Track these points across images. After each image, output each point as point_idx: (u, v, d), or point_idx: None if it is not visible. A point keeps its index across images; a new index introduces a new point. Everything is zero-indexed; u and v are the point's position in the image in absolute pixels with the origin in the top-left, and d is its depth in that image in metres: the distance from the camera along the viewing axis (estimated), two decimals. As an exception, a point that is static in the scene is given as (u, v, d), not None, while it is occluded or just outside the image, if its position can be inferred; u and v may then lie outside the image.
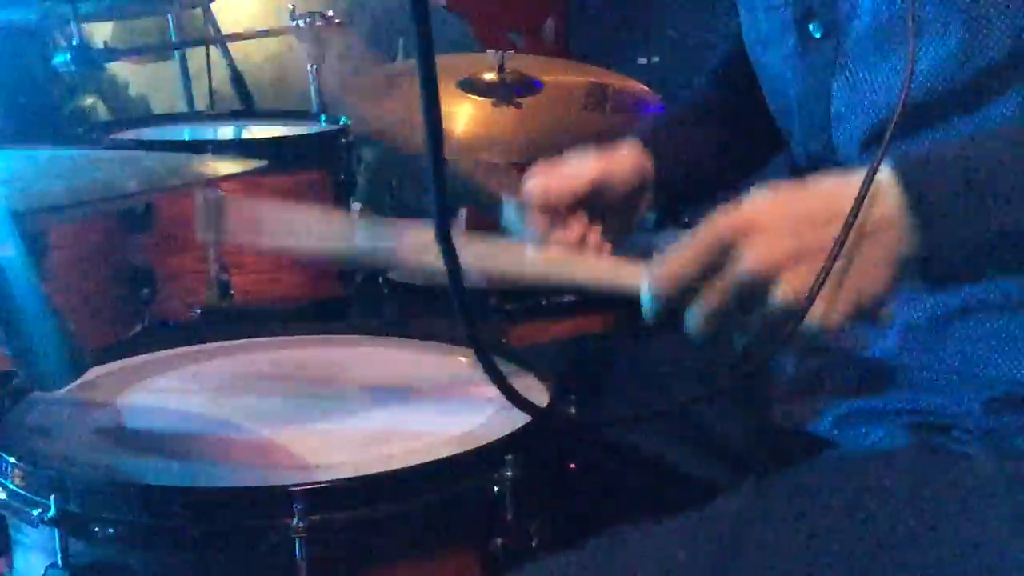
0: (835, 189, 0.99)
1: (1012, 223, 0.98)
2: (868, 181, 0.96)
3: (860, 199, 0.96)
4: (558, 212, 1.31)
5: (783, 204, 0.99)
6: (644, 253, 1.69)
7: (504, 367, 1.29)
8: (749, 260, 0.96)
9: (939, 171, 0.99)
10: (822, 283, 0.94)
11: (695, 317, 0.99)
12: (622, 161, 1.37)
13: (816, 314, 0.96)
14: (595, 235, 1.33)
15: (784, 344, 0.97)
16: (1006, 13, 1.04)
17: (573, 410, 1.15)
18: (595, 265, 1.07)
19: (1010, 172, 0.99)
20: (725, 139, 1.47)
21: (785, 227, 0.97)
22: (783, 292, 0.96)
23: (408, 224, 1.13)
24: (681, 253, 0.99)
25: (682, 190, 1.46)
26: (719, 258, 0.97)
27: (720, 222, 0.98)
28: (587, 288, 1.10)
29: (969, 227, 0.98)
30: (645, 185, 1.39)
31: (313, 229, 1.17)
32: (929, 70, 1.08)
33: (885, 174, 0.98)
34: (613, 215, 1.36)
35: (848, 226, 0.95)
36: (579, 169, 1.34)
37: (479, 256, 1.10)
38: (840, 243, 0.95)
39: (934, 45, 1.07)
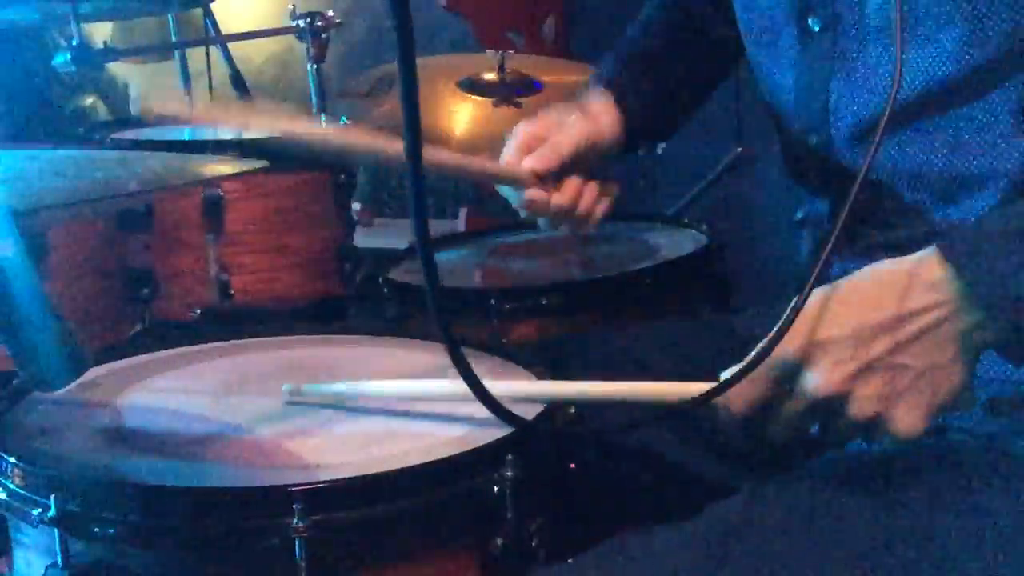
0: (878, 291, 0.98)
1: None
2: (833, 247, 0.96)
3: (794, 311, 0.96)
4: (548, 181, 1.39)
5: (835, 321, 0.98)
6: (639, 248, 1.71)
7: (501, 366, 1.29)
8: (815, 388, 0.97)
9: (989, 251, 0.96)
10: (788, 325, 0.95)
11: (776, 435, 1.03)
12: (602, 120, 1.45)
13: (901, 424, 0.97)
14: (590, 192, 1.41)
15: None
16: (1005, 8, 1.04)
17: (572, 409, 1.15)
18: (650, 388, 1.09)
19: None
20: (675, 82, 1.54)
21: (844, 347, 0.97)
22: (855, 413, 0.97)
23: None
24: (749, 389, 1.00)
25: (650, 128, 1.56)
26: (786, 387, 0.99)
27: (781, 354, 0.98)
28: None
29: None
30: (619, 136, 1.47)
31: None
32: (926, 65, 1.08)
33: (937, 264, 0.97)
34: (595, 164, 1.44)
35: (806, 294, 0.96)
36: (563, 138, 1.40)
37: (529, 392, 1.15)
38: (804, 297, 0.95)
39: (932, 40, 1.07)
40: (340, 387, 1.21)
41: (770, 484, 1.09)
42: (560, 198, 1.39)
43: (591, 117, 1.44)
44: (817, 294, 1.00)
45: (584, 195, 1.41)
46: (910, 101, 1.09)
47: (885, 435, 0.98)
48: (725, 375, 1.03)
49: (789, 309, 0.96)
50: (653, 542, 1.04)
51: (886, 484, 1.08)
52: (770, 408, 1.01)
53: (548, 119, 1.43)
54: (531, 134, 1.41)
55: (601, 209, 1.44)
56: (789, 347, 0.98)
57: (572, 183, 1.40)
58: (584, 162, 1.41)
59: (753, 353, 0.99)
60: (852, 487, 1.07)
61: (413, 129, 0.83)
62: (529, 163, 1.38)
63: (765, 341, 0.98)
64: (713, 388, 1.00)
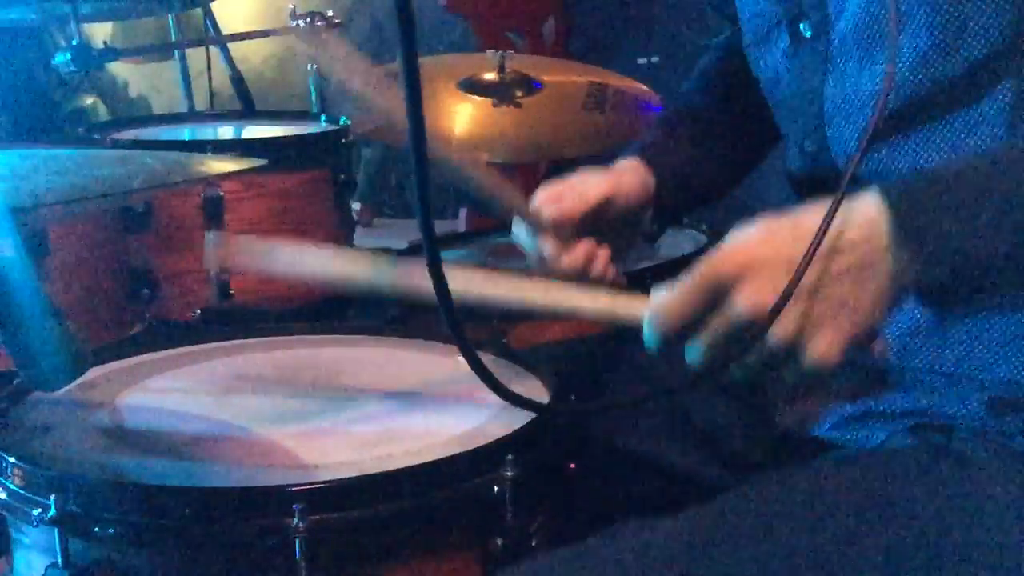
0: (819, 221, 0.99)
1: (1004, 249, 0.98)
2: (832, 213, 0.96)
3: (827, 223, 0.96)
4: (566, 232, 1.33)
5: (774, 242, 0.99)
6: (643, 257, 1.69)
7: (504, 368, 1.29)
8: (743, 302, 0.97)
9: (928, 199, 0.99)
10: (786, 300, 0.95)
11: (694, 352, 1.01)
12: (627, 179, 1.39)
13: (815, 351, 0.97)
14: (603, 257, 1.35)
15: (780, 380, 1.00)
16: (990, 10, 1.04)
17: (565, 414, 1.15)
18: (596, 298, 1.09)
19: (998, 197, 0.98)
20: (720, 144, 1.48)
21: (776, 267, 0.97)
22: (781, 331, 0.97)
23: (407, 259, 1.15)
24: (679, 294, 1.00)
25: (682, 201, 1.48)
26: (715, 297, 0.99)
27: (714, 264, 0.99)
28: (587, 318, 1.11)
29: (961, 255, 0.98)
30: (648, 200, 1.41)
31: (313, 263, 1.19)
32: (915, 68, 1.08)
33: (874, 203, 0.99)
34: (618, 231, 1.39)
35: (810, 254, 0.95)
36: (587, 188, 1.36)
37: (477, 285, 1.11)
38: (807, 263, 0.95)
39: (915, 40, 1.07)
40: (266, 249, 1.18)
41: (768, 484, 1.09)
42: (570, 260, 1.34)
43: (614, 174, 1.40)
44: (758, 221, 1.01)
45: (596, 260, 1.36)
46: (901, 104, 1.09)
47: (795, 365, 0.98)
48: (656, 289, 1.03)
49: None
50: (647, 537, 1.03)
51: (887, 486, 1.08)
52: (693, 327, 1.01)
53: (575, 177, 1.39)
54: (557, 188, 1.37)
55: (610, 276, 1.38)
56: (724, 264, 0.99)
57: (585, 245, 1.35)
58: (604, 221, 1.36)
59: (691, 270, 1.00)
60: (852, 489, 1.07)
61: (417, 129, 0.83)
62: (548, 212, 1.34)
63: (705, 259, 0.99)
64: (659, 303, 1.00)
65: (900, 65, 1.08)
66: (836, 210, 0.97)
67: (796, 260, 0.97)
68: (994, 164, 1.01)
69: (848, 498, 1.06)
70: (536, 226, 1.34)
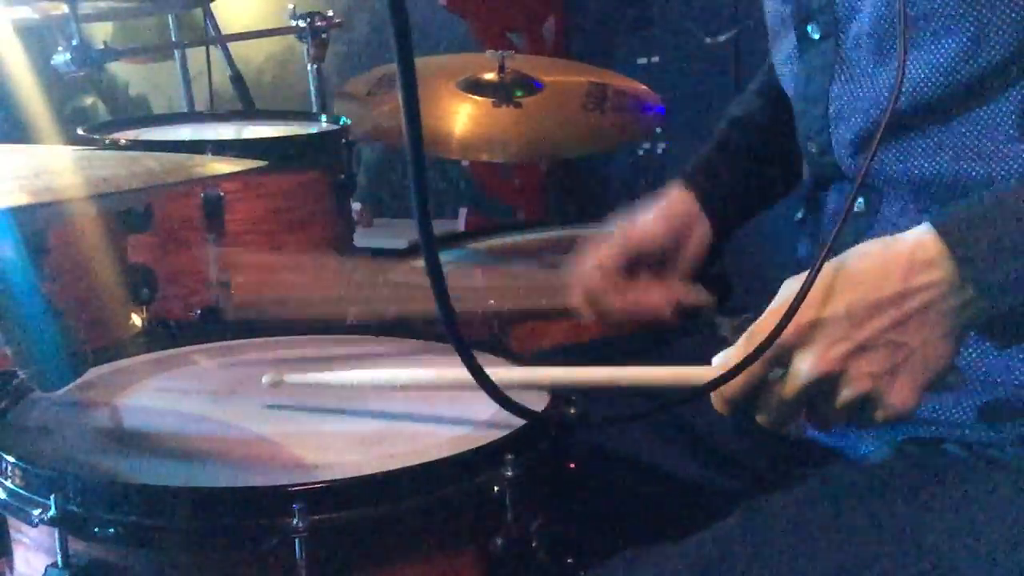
0: (877, 269, 0.98)
1: None
2: (816, 270, 0.96)
3: (814, 274, 0.96)
4: (616, 284, 1.37)
5: (831, 299, 0.97)
6: None
7: (504, 371, 1.29)
8: (809, 369, 0.96)
9: (985, 233, 0.96)
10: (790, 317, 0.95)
11: (765, 419, 1.02)
12: (649, 225, 1.41)
13: (894, 400, 0.96)
14: (658, 292, 1.38)
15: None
16: (1007, 13, 1.04)
17: (573, 410, 1.15)
18: (659, 371, 1.08)
19: None
20: (771, 155, 1.47)
21: (840, 326, 0.96)
22: (850, 394, 0.97)
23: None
24: (741, 368, 0.99)
25: (736, 218, 1.50)
26: (780, 364, 0.98)
27: (774, 330, 0.97)
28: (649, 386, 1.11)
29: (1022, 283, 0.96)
30: (688, 225, 1.43)
31: (317, 286, 1.20)
32: (928, 70, 1.08)
33: (931, 243, 0.97)
34: (672, 262, 1.41)
35: (811, 277, 0.95)
36: (654, 235, 1.40)
37: (543, 377, 1.14)
38: (809, 283, 0.95)
39: (932, 46, 1.07)
40: (323, 376, 1.20)
41: (766, 498, 1.09)
42: (620, 301, 1.37)
43: (635, 226, 1.41)
44: (798, 278, 0.99)
45: (649, 295, 1.38)
46: (911, 108, 1.09)
47: (875, 415, 0.97)
48: (717, 359, 1.02)
49: (794, 299, 0.96)
50: (652, 561, 1.04)
51: (882, 497, 1.08)
52: (762, 391, 1.00)
53: (630, 219, 1.41)
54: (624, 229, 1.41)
55: (676, 300, 1.40)
56: (782, 334, 0.97)
57: (637, 286, 1.37)
58: (649, 264, 1.39)
59: (745, 336, 0.99)
60: (849, 500, 1.08)
61: (414, 128, 0.83)
62: (593, 259, 1.37)
63: (759, 323, 0.99)
64: (720, 377, 0.99)
65: (916, 69, 1.08)
66: (842, 226, 0.97)
67: (856, 318, 0.96)
68: None
69: (844, 512, 1.06)
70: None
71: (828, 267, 0.97)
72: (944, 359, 0.98)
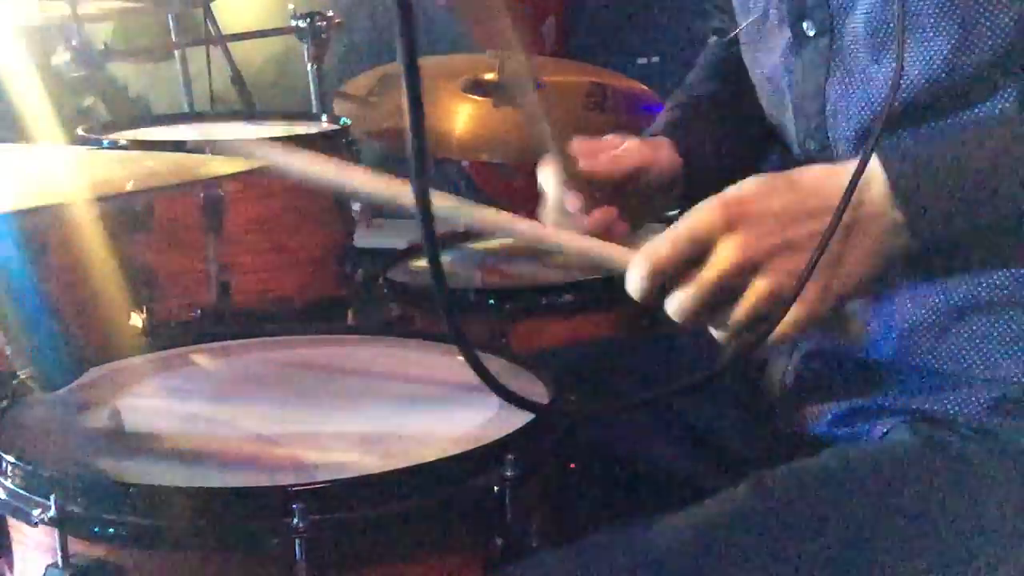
0: (821, 182, 1.01)
1: (998, 219, 1.01)
2: (856, 177, 0.97)
3: (848, 195, 0.96)
4: (592, 191, 1.30)
5: (768, 196, 1.00)
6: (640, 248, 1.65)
7: (504, 368, 1.29)
8: (732, 253, 0.97)
9: (928, 168, 1.00)
10: (808, 275, 0.95)
11: (676, 303, 1.01)
12: (662, 152, 1.37)
13: (802, 302, 0.97)
14: (620, 229, 1.31)
15: (765, 338, 0.98)
16: (998, 11, 1.04)
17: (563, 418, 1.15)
18: (587, 240, 1.08)
19: (1001, 172, 1.00)
20: (737, 127, 1.46)
21: (770, 220, 0.98)
22: (767, 285, 0.97)
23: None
24: (667, 241, 1.00)
25: (707, 179, 1.47)
26: (704, 247, 0.98)
27: (706, 212, 0.99)
28: (574, 256, 1.10)
29: (956, 223, 1.00)
30: (676, 178, 1.39)
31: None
32: (921, 68, 1.08)
33: (873, 167, 1.00)
34: (639, 205, 1.36)
35: (835, 222, 0.96)
36: (626, 153, 1.33)
37: (472, 216, 1.10)
38: (827, 238, 0.96)
39: (926, 43, 1.07)
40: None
41: (764, 485, 1.08)
42: (589, 222, 1.29)
43: (651, 146, 1.37)
44: (753, 178, 1.01)
45: (614, 229, 1.31)
46: (906, 104, 1.09)
47: (779, 318, 0.97)
48: (647, 246, 1.02)
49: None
50: (644, 537, 1.03)
51: (884, 488, 1.08)
52: (679, 278, 1.00)
53: (613, 138, 1.36)
54: (595, 145, 1.35)
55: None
56: (713, 214, 0.98)
57: (604, 212, 1.30)
58: (630, 192, 1.34)
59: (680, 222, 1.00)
60: (848, 490, 1.07)
61: (417, 128, 0.83)
62: (583, 165, 1.30)
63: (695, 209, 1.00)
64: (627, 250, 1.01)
65: (911, 64, 1.08)
66: (859, 179, 0.97)
67: (788, 216, 0.97)
68: (987, 134, 1.03)
69: (842, 500, 1.06)
70: (567, 173, 1.29)
71: (779, 174, 1.01)
72: (863, 279, 0.99)
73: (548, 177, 1.31)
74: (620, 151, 1.33)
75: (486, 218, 1.11)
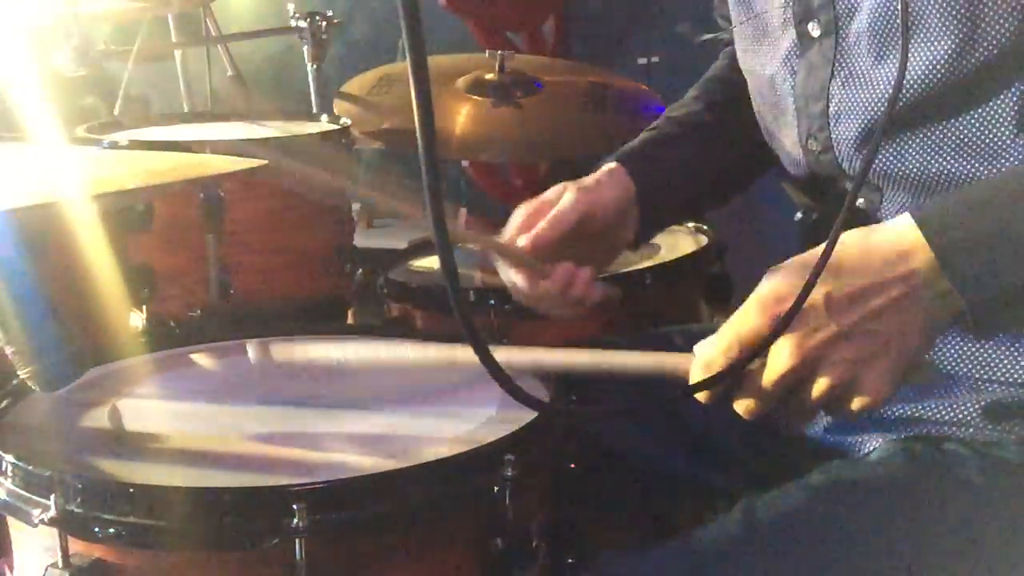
0: (859, 260, 0.98)
1: None
2: (856, 190, 0.96)
3: (824, 258, 0.95)
4: (545, 257, 1.31)
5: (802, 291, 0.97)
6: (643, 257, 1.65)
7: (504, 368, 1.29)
8: (786, 359, 0.96)
9: (966, 228, 0.97)
10: (792, 316, 0.94)
11: (743, 408, 1.01)
12: (605, 193, 1.36)
13: (867, 388, 0.96)
14: (583, 277, 1.32)
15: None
16: (1002, 11, 1.04)
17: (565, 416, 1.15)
18: (643, 356, 1.08)
19: None
20: (721, 151, 1.46)
21: (816, 314, 0.96)
22: (827, 382, 0.96)
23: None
24: (719, 353, 0.99)
25: (669, 208, 1.46)
26: (756, 351, 0.98)
27: (750, 317, 0.98)
28: (638, 375, 1.10)
29: (1005, 282, 0.97)
30: (627, 212, 1.38)
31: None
32: (925, 67, 1.08)
33: (910, 235, 0.97)
34: (597, 246, 1.37)
35: (808, 286, 0.94)
36: (562, 211, 1.32)
37: (522, 360, 1.12)
38: (815, 276, 0.94)
39: (930, 42, 1.07)
40: (313, 352, 1.19)
41: (764, 497, 1.09)
42: (549, 285, 1.31)
43: (590, 190, 1.35)
44: (787, 269, 1.00)
45: (576, 282, 1.32)
46: (909, 105, 1.09)
47: (850, 405, 0.97)
48: (699, 348, 1.02)
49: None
50: (650, 560, 1.04)
51: (879, 498, 1.08)
52: (741, 381, 1.00)
53: (547, 196, 1.35)
54: (530, 212, 1.34)
55: (593, 296, 1.35)
56: (759, 317, 0.98)
57: (563, 269, 1.31)
58: (582, 239, 1.33)
59: (726, 324, 0.99)
60: (850, 500, 1.08)
61: (427, 124, 0.83)
62: (523, 243, 1.30)
63: (739, 313, 0.99)
64: (706, 380, 0.98)
65: (914, 65, 1.08)
66: (843, 220, 0.95)
67: (833, 306, 0.95)
68: (1021, 185, 1.00)
69: (836, 522, 1.06)
70: (510, 260, 1.32)
71: (808, 254, 0.98)
72: (920, 349, 0.98)
73: (500, 268, 1.34)
74: (557, 211, 1.32)
75: (552, 357, 1.12)
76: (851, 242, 0.99)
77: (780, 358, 0.97)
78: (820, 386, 0.97)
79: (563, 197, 1.34)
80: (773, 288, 0.99)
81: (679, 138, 1.47)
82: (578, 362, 1.11)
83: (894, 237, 0.98)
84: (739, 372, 0.98)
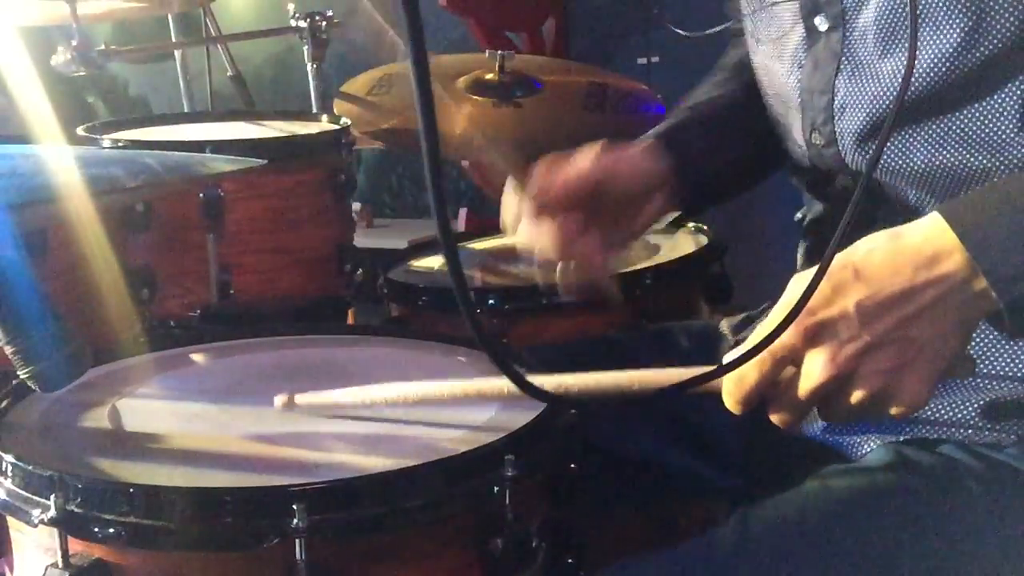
0: (886, 267, 0.96)
1: None
2: (860, 193, 0.94)
3: (822, 269, 0.93)
4: (555, 209, 1.30)
5: (837, 298, 0.95)
6: (639, 248, 1.62)
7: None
8: (819, 371, 0.95)
9: (996, 222, 0.95)
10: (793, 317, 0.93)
11: (778, 419, 1.00)
12: (630, 160, 1.35)
13: (907, 394, 0.95)
14: (589, 239, 1.30)
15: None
16: (1008, 2, 1.04)
17: (572, 411, 1.15)
18: (670, 372, 1.07)
19: None
20: (749, 138, 1.44)
21: (846, 325, 0.94)
22: (862, 393, 0.95)
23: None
24: (753, 368, 0.98)
25: (705, 191, 1.44)
26: (790, 362, 0.97)
27: (781, 324, 0.95)
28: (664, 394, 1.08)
29: None
30: (655, 186, 1.37)
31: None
32: (931, 61, 1.08)
33: (941, 231, 0.95)
34: (617, 216, 1.35)
35: (809, 291, 0.92)
36: (582, 168, 1.31)
37: (550, 384, 1.10)
38: (816, 282, 0.92)
39: (937, 36, 1.07)
40: (336, 396, 1.19)
41: (763, 502, 1.09)
42: (546, 231, 1.27)
43: (620, 155, 1.33)
44: (805, 276, 0.99)
45: (577, 240, 1.29)
46: (915, 98, 1.09)
47: (887, 411, 0.96)
48: (728, 359, 1.02)
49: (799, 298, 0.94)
50: (647, 567, 1.04)
51: (874, 507, 1.07)
52: (775, 392, 0.99)
53: (581, 152, 1.33)
54: (553, 162, 1.32)
55: (598, 263, 1.31)
56: (793, 328, 0.95)
57: (564, 220, 1.28)
58: (599, 204, 1.31)
59: (754, 336, 0.96)
60: (847, 504, 1.07)
61: (429, 125, 0.83)
62: (532, 191, 1.28)
63: (766, 323, 0.97)
64: (713, 370, 0.97)
65: (920, 58, 1.08)
66: (853, 214, 0.93)
67: (863, 316, 0.94)
68: None
69: (840, 517, 1.06)
70: (520, 192, 1.30)
71: (836, 262, 0.95)
72: (955, 351, 0.96)
73: (506, 200, 1.32)
74: (576, 167, 1.31)
75: (579, 382, 1.10)
76: (880, 245, 0.97)
77: (813, 372, 0.95)
78: (856, 396, 0.95)
79: (585, 157, 1.33)
80: (794, 288, 0.98)
81: (713, 119, 1.46)
82: (604, 383, 1.10)
83: (923, 240, 0.96)
84: (771, 383, 0.97)
